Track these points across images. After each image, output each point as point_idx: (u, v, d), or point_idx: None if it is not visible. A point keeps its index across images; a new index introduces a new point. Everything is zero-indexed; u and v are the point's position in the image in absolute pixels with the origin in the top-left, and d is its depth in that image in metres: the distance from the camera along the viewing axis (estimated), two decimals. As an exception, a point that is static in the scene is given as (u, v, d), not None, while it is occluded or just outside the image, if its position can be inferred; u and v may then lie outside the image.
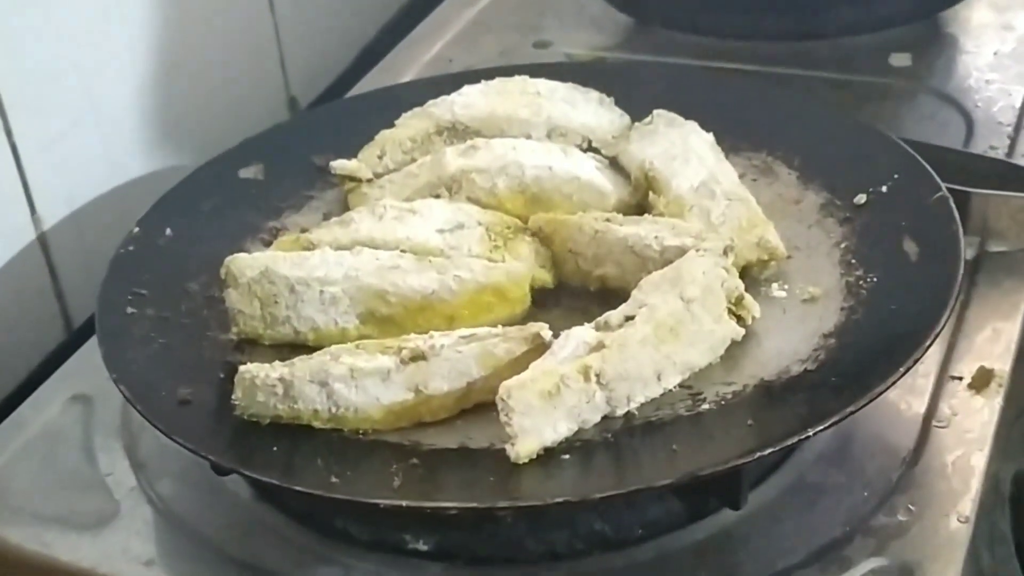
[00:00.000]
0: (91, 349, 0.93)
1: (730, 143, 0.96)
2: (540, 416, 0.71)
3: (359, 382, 0.75)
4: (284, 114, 1.26)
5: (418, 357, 0.75)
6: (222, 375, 0.81)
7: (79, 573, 0.79)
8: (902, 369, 0.72)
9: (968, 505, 0.75)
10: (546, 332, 0.77)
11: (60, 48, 1.00)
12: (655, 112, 0.96)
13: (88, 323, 1.04)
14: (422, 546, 0.76)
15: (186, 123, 1.14)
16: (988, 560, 0.79)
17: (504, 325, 0.80)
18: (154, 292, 0.87)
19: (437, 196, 0.92)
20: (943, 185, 0.88)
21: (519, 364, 0.74)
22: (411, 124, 0.98)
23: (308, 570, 0.77)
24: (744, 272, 0.83)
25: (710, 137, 0.94)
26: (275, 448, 0.75)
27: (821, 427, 0.70)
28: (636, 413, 0.74)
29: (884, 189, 0.90)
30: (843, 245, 0.87)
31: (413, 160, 0.96)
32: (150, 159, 1.10)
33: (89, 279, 1.01)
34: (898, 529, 0.74)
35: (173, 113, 1.12)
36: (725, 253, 0.80)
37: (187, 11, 1.12)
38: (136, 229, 0.92)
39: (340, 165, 0.96)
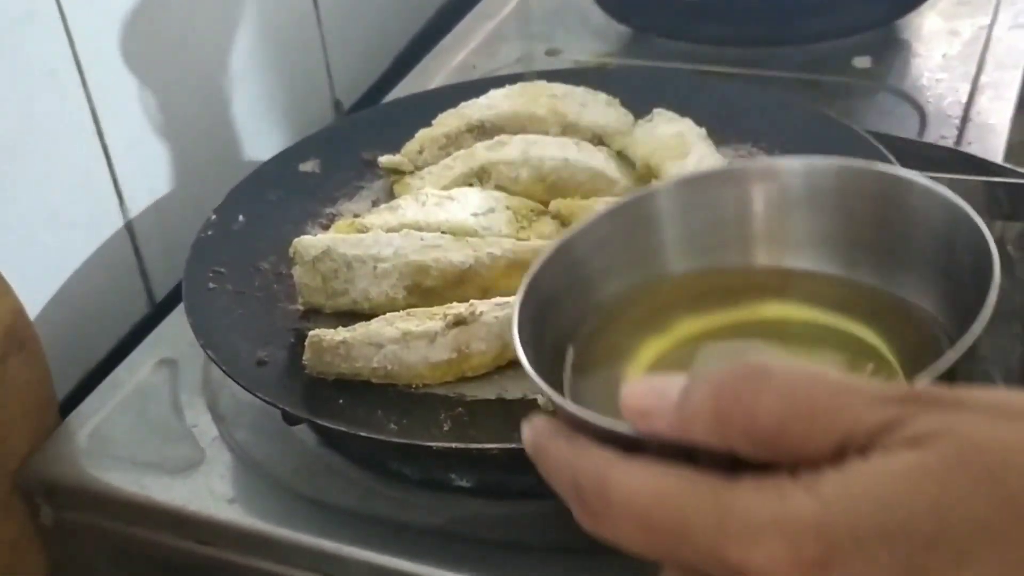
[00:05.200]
0: (173, 320, 0.94)
1: (719, 136, 0.96)
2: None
3: (410, 344, 0.76)
4: (330, 115, 1.26)
5: (460, 322, 0.76)
6: (292, 340, 0.82)
7: (171, 510, 0.80)
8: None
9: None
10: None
11: (142, 62, 1.00)
12: (655, 110, 0.96)
13: (169, 297, 1.04)
14: (465, 483, 0.77)
15: (248, 124, 1.14)
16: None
17: (531, 294, 0.80)
18: (231, 270, 0.88)
19: (470, 185, 0.92)
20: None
21: (546, 327, 0.75)
22: (446, 123, 0.98)
23: (367, 505, 0.77)
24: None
25: (702, 131, 0.94)
26: (340, 401, 0.76)
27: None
28: (649, 365, 0.75)
29: (852, 174, 0.90)
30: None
31: (448, 154, 0.96)
32: (219, 155, 1.11)
33: (169, 260, 1.02)
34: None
35: (237, 116, 1.13)
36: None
37: (248, 30, 1.12)
38: (213, 216, 0.92)
39: (386, 159, 0.97)
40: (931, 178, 0.55)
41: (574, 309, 0.58)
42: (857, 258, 0.58)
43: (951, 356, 0.46)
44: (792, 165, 0.59)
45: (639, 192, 0.60)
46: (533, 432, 0.47)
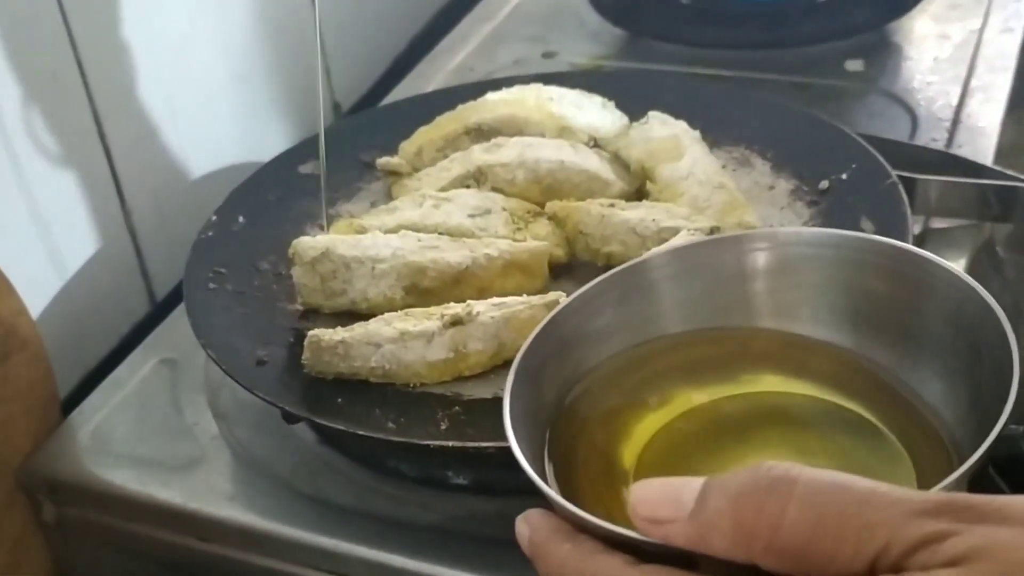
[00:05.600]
0: (174, 320, 0.95)
1: (713, 138, 0.96)
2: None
3: (408, 344, 0.76)
4: (329, 117, 1.26)
5: (457, 322, 0.76)
6: (291, 339, 0.82)
7: (172, 507, 0.80)
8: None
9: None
10: (563, 299, 0.78)
11: (143, 64, 1.01)
12: (650, 113, 0.96)
13: (169, 298, 1.05)
14: (462, 481, 0.77)
15: (249, 125, 1.14)
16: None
17: (527, 294, 0.80)
18: (231, 270, 0.88)
19: (467, 186, 0.92)
20: (893, 172, 0.88)
21: (542, 326, 0.75)
22: (443, 125, 0.98)
23: (365, 502, 0.77)
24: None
25: (696, 133, 0.94)
26: (339, 400, 0.76)
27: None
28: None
29: (844, 176, 0.90)
30: (811, 224, 0.87)
31: (446, 156, 0.96)
32: (220, 157, 1.11)
33: (170, 260, 1.02)
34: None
35: (238, 117, 1.13)
36: (711, 232, 0.79)
37: (247, 33, 1.12)
38: (214, 217, 0.92)
39: (384, 161, 0.97)
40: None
41: (565, 382, 0.57)
42: (861, 331, 0.56)
43: (971, 461, 0.44)
44: (792, 234, 0.58)
45: (634, 261, 0.59)
46: (531, 529, 0.45)
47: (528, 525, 0.45)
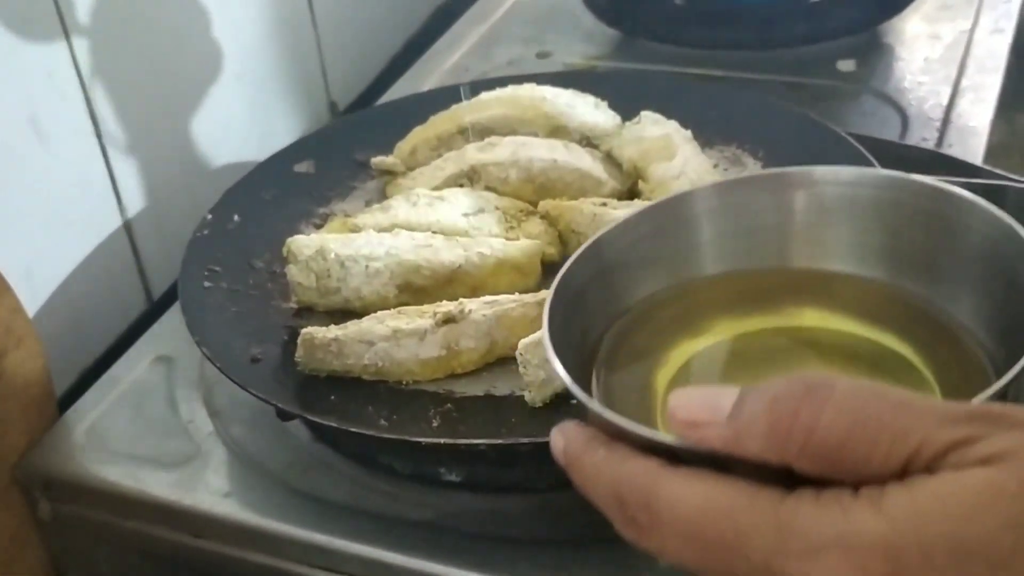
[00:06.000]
0: (170, 318, 0.95)
1: (705, 138, 0.96)
2: (551, 367, 0.72)
3: (400, 341, 0.76)
4: (325, 116, 1.26)
5: (450, 320, 0.76)
6: (286, 337, 0.82)
7: (167, 504, 0.80)
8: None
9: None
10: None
11: (140, 65, 1.00)
12: (642, 113, 0.96)
13: (165, 295, 1.04)
14: (454, 478, 0.77)
15: (244, 125, 1.14)
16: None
17: (519, 292, 0.80)
18: (226, 269, 0.88)
19: (461, 186, 0.92)
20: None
21: (534, 324, 0.75)
22: (437, 125, 0.98)
23: (358, 499, 0.77)
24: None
25: (688, 133, 0.94)
26: (332, 397, 0.76)
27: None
28: (631, 364, 0.75)
29: (835, 175, 0.90)
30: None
31: (440, 156, 0.96)
32: (216, 156, 1.10)
33: (166, 258, 1.02)
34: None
35: (234, 116, 1.13)
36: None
37: (245, 32, 1.12)
38: (209, 216, 0.92)
39: (379, 160, 0.97)
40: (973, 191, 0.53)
41: (604, 308, 0.57)
42: (898, 267, 0.56)
43: (1008, 376, 0.44)
44: (830, 173, 0.57)
45: (675, 193, 0.59)
46: (565, 439, 0.45)
47: (563, 436, 0.45)
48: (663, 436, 0.43)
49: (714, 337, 0.56)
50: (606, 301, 0.57)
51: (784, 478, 0.39)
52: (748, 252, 0.59)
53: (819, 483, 0.39)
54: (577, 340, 0.55)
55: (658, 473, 0.41)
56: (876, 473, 0.38)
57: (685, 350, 0.56)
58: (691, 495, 0.40)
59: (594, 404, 0.46)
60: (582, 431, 0.45)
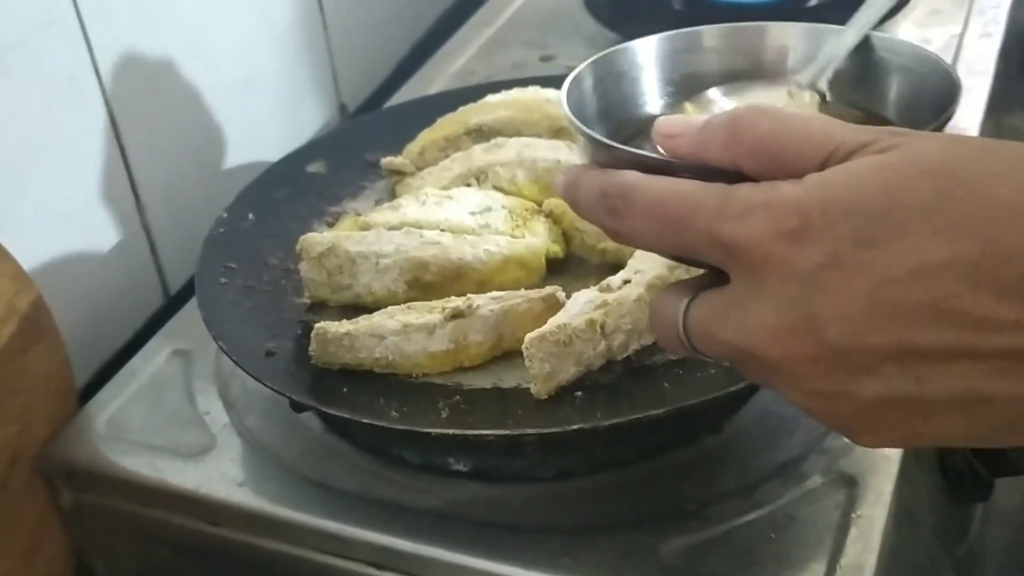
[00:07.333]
0: (187, 313, 0.95)
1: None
2: (557, 361, 0.72)
3: (410, 335, 0.76)
4: (336, 118, 1.27)
5: (458, 315, 0.76)
6: (299, 331, 0.82)
7: (184, 493, 0.80)
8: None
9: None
10: (560, 293, 0.78)
11: (158, 69, 1.01)
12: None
13: (182, 291, 1.05)
14: (462, 467, 0.78)
15: (258, 127, 1.14)
16: (916, 471, 0.80)
17: (525, 288, 0.80)
18: (241, 265, 0.88)
19: (468, 185, 0.92)
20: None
21: (539, 319, 0.75)
22: (445, 126, 0.98)
23: (369, 488, 0.78)
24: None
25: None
26: (344, 389, 0.76)
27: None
28: (633, 358, 0.75)
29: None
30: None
31: (447, 156, 0.96)
32: (230, 157, 1.11)
33: (183, 255, 1.03)
34: (844, 449, 0.76)
35: (248, 118, 1.13)
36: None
37: (258, 38, 1.13)
38: (224, 214, 0.92)
39: (388, 161, 0.97)
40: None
41: (608, 108, 0.63)
42: (851, 95, 0.64)
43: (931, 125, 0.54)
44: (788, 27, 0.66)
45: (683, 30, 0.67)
46: (566, 174, 0.54)
47: (564, 173, 0.54)
48: (642, 152, 0.52)
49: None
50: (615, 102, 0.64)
51: (735, 179, 0.48)
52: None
53: None
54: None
55: (636, 175, 0.50)
56: (803, 170, 0.46)
57: None
58: (659, 185, 0.49)
59: (587, 130, 0.54)
60: (580, 166, 0.53)
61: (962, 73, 1.12)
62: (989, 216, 0.42)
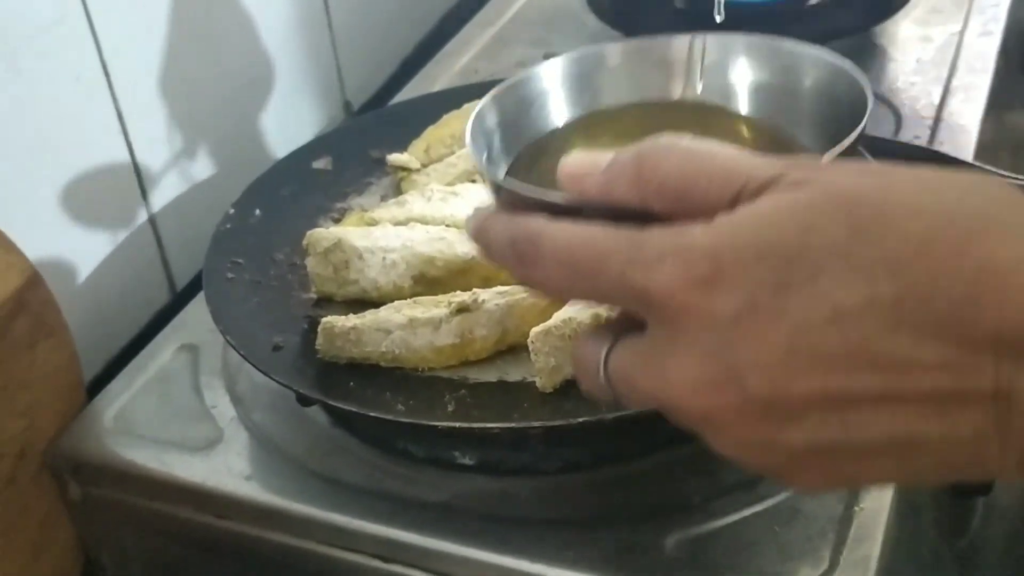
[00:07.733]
0: (194, 308, 0.95)
1: (706, 135, 0.96)
2: (562, 355, 0.72)
3: (416, 330, 0.76)
4: (341, 115, 1.27)
5: (464, 309, 0.76)
6: (306, 326, 0.82)
7: (192, 487, 0.80)
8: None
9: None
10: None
11: (165, 68, 1.01)
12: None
13: (189, 286, 1.05)
14: (468, 461, 0.77)
15: (264, 124, 1.14)
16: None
17: (530, 284, 0.80)
18: (248, 261, 0.88)
19: (473, 181, 0.92)
20: (879, 168, 0.88)
21: (544, 314, 0.75)
22: (450, 123, 0.98)
23: (375, 481, 0.77)
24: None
25: (690, 130, 0.94)
26: (351, 383, 0.76)
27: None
28: (637, 352, 0.75)
29: (833, 171, 0.90)
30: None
31: (452, 153, 0.96)
32: (237, 153, 1.11)
33: (189, 251, 1.03)
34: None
35: (254, 116, 1.13)
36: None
37: (264, 36, 1.13)
38: (231, 210, 0.92)
39: (394, 157, 0.97)
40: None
41: (516, 138, 0.63)
42: (760, 106, 0.65)
43: (835, 151, 0.54)
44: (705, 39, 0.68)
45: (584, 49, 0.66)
46: (475, 219, 0.51)
47: (473, 218, 0.51)
48: (549, 194, 0.49)
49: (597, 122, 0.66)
50: (517, 131, 0.64)
51: (642, 219, 0.46)
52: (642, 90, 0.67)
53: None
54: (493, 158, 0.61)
55: (544, 221, 0.47)
56: (713, 207, 0.44)
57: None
58: (567, 231, 0.47)
59: (495, 176, 0.54)
60: (488, 211, 0.52)
61: (962, 71, 1.14)
62: (904, 253, 0.41)
